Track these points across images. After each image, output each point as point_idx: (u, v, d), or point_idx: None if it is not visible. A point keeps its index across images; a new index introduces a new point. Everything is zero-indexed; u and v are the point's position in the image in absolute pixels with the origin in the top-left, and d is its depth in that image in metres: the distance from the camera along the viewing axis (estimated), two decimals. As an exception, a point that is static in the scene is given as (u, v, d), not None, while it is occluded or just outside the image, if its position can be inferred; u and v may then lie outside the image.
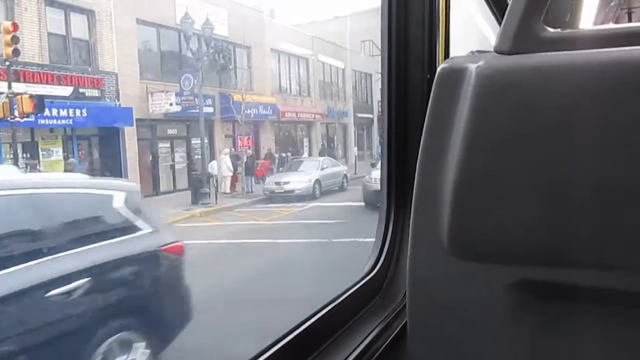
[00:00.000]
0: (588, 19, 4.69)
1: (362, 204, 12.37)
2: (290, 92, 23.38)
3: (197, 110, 13.81)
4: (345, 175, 16.95)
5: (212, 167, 14.51)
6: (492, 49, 0.88)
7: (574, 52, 0.82)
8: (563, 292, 0.91)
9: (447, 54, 1.91)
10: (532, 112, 0.82)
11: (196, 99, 13.58)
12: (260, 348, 1.14)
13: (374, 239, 1.81)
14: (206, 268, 7.19)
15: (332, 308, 1.42)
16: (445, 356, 1.01)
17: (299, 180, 14.84)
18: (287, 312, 4.40)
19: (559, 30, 0.87)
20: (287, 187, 14.45)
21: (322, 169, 15.88)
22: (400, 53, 1.79)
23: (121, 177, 13.57)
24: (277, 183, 14.82)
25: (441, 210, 0.90)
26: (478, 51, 0.96)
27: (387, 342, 1.43)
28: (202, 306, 4.82)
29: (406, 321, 1.04)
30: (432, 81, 0.93)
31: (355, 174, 22.36)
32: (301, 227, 10.83)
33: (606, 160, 0.80)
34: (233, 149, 17.20)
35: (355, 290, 1.56)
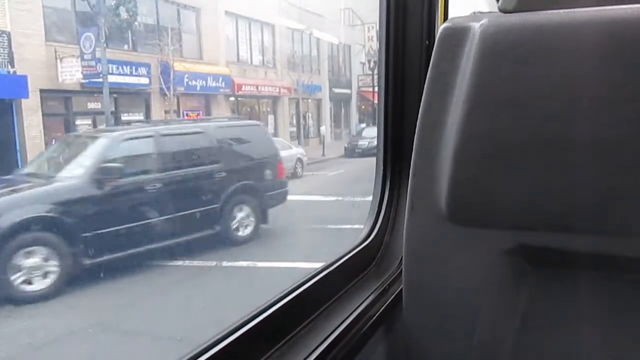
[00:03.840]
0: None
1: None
2: (251, 62, 20.67)
3: (112, 80, 11.10)
4: (300, 160, 14.23)
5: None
6: None
7: (579, 9, 0.81)
8: (560, 258, 0.92)
9: (446, 20, 1.77)
10: (536, 70, 0.81)
11: (98, 64, 10.88)
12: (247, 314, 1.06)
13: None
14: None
15: (326, 275, 1.37)
16: (441, 321, 1.03)
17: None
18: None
19: None
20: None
21: (266, 152, 13.21)
22: (399, 18, 1.75)
23: (16, 161, 11.13)
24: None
25: (440, 175, 0.90)
26: (480, 12, 0.94)
27: (382, 309, 1.39)
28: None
29: (402, 288, 1.08)
30: (431, 47, 0.91)
31: (323, 155, 19.87)
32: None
33: (609, 120, 0.78)
34: (166, 128, 14.58)
35: (350, 257, 1.53)
